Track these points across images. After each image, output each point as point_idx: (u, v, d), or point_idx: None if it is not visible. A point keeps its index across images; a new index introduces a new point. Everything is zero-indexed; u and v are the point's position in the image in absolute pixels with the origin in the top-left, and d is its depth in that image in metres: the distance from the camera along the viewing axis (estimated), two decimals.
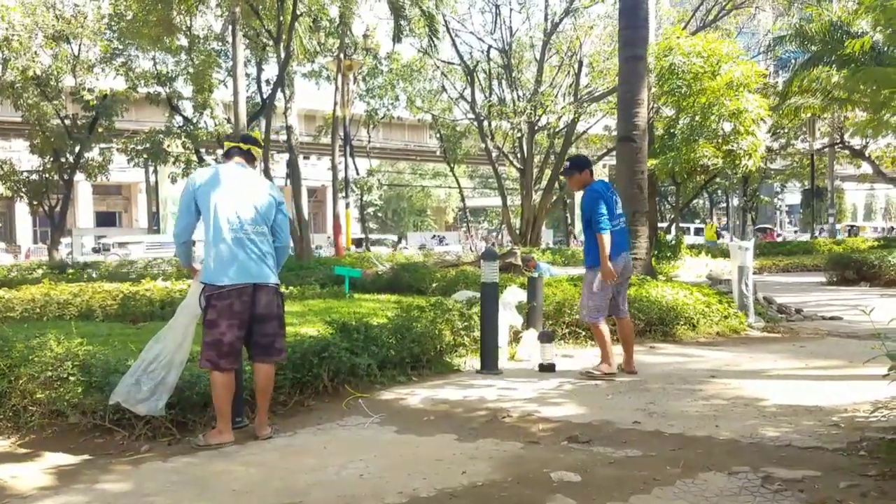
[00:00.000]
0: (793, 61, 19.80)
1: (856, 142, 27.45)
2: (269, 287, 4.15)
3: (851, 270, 14.21)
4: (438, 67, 28.02)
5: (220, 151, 22.69)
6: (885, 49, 15.53)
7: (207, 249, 4.07)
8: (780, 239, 34.89)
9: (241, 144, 4.29)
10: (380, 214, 68.28)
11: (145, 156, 22.50)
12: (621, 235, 5.77)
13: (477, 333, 6.13)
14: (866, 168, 30.06)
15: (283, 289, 4.93)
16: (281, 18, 18.13)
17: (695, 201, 46.59)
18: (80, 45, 20.67)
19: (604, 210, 5.55)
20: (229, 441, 4.00)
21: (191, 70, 21.12)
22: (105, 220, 52.82)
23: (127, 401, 4.01)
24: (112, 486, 3.44)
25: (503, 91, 27.71)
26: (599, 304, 5.67)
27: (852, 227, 54.18)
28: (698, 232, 41.77)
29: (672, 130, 15.89)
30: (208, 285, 4.03)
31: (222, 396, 4.01)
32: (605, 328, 5.68)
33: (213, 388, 4.02)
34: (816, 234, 40.26)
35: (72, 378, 4.15)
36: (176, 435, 4.12)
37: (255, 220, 4.11)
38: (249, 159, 4.30)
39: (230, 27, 17.99)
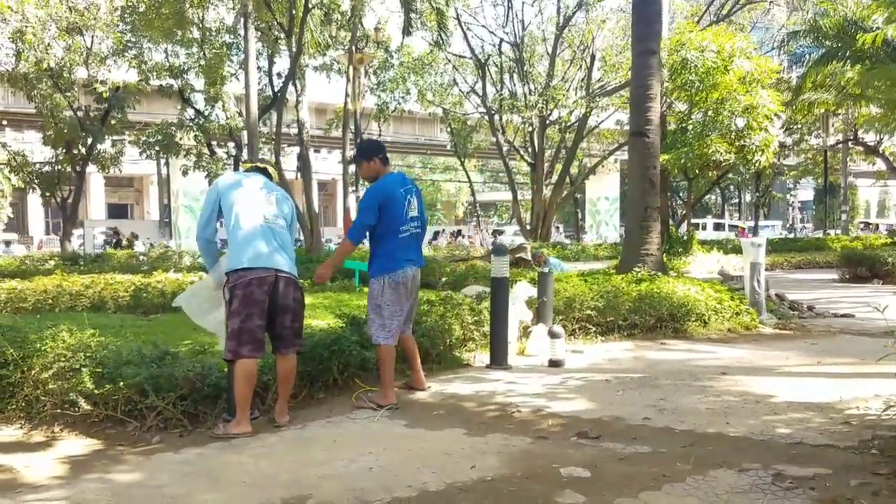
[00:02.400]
0: (807, 56, 19.61)
1: (870, 138, 27.20)
2: (289, 278, 4.23)
3: (864, 268, 14.10)
4: (450, 61, 27.96)
5: (231, 144, 22.85)
6: None
7: (231, 240, 4.18)
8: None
9: (259, 164, 4.61)
10: None
11: (157, 148, 22.52)
12: (412, 242, 4.86)
13: (487, 328, 6.12)
14: (880, 165, 29.77)
15: None
16: (293, 12, 18.15)
17: (707, 197, 46.43)
18: (92, 38, 20.70)
19: (371, 219, 4.69)
20: (248, 432, 4.04)
21: (203, 63, 21.16)
22: (117, 212, 53.10)
23: (188, 308, 4.33)
24: (123, 476, 3.47)
25: (514, 85, 27.64)
26: (387, 322, 4.73)
27: (867, 223, 53.12)
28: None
29: (684, 125, 15.82)
30: (231, 274, 4.12)
31: (243, 387, 4.04)
32: (391, 353, 4.77)
33: (235, 380, 4.04)
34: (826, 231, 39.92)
35: (84, 369, 4.18)
36: (187, 426, 4.15)
37: (275, 214, 4.29)
38: (267, 177, 4.54)
39: (242, 20, 17.98)
